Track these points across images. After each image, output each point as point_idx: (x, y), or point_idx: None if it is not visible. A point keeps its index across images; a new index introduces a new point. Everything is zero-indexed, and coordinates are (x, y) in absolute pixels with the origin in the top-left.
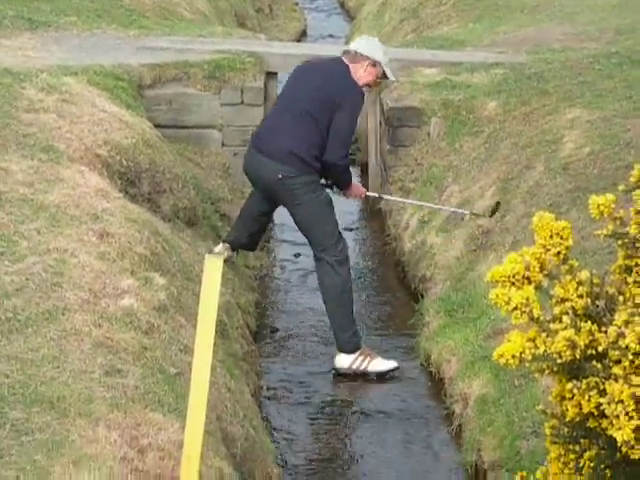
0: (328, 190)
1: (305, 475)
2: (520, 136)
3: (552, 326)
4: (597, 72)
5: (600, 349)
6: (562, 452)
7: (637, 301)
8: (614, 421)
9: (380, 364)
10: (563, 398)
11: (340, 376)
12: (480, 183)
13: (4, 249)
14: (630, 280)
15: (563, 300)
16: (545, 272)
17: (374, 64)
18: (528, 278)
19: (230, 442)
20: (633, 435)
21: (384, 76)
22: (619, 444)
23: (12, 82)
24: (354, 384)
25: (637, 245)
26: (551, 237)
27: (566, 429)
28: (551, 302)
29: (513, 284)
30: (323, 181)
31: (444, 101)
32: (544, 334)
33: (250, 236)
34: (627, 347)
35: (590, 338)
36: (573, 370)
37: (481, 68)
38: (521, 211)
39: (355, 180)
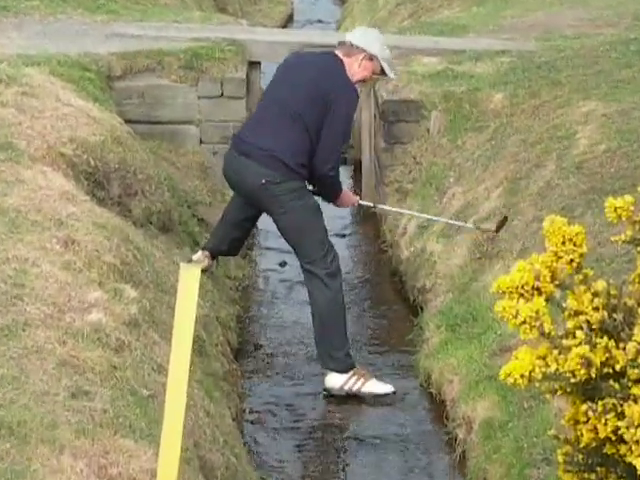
0: (316, 197)
1: None
2: (529, 132)
3: (565, 342)
4: (614, 61)
5: (618, 367)
6: None
7: None
8: (633, 447)
9: (375, 386)
10: (577, 422)
11: (331, 398)
12: (485, 184)
13: None
14: None
15: (577, 313)
16: (557, 282)
17: (370, 58)
18: (538, 289)
19: (209, 471)
20: None
21: (382, 72)
22: (639, 472)
23: None
24: (346, 407)
25: None
26: (563, 243)
27: (581, 456)
28: (564, 315)
29: (522, 295)
30: (310, 187)
31: (445, 93)
32: (556, 351)
33: (231, 242)
34: None
35: (607, 355)
36: (588, 391)
37: (486, 56)
38: (530, 215)
39: (347, 180)
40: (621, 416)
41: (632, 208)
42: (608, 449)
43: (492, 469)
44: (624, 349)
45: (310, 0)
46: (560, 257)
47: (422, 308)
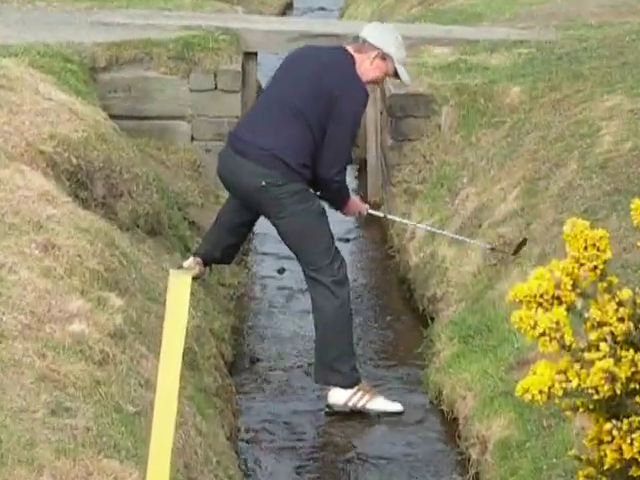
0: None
1: None
2: (549, 128)
3: (587, 355)
4: None
5: None
6: None
7: None
8: None
9: (382, 403)
10: (600, 441)
11: (333, 415)
12: (501, 184)
13: None
14: None
15: (600, 324)
16: (579, 290)
17: (384, 57)
18: (558, 298)
19: None
20: None
21: (395, 75)
22: None
23: None
24: (350, 424)
25: None
26: (586, 249)
27: (604, 478)
28: (586, 326)
29: (540, 305)
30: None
31: (458, 86)
32: (577, 365)
33: (225, 249)
34: None
35: (633, 369)
36: (612, 408)
37: (502, 47)
38: (550, 218)
39: (351, 181)
40: None
41: None
42: (634, 471)
43: None
44: None
45: None
46: (582, 263)
47: (432, 318)
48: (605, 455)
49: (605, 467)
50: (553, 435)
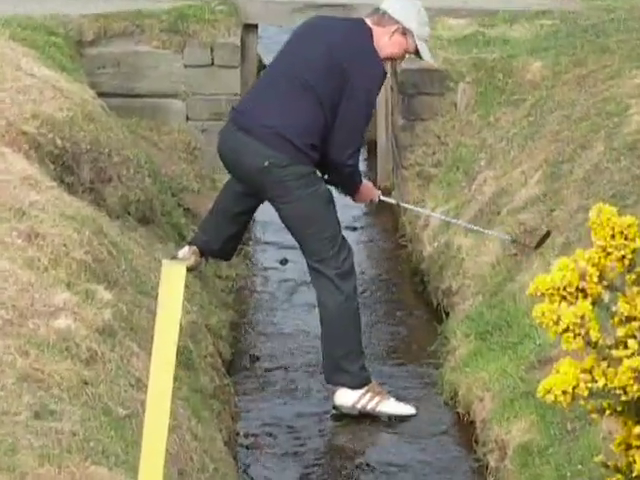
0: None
1: None
2: (573, 106)
3: (615, 353)
4: None
5: None
6: None
7: None
8: None
9: (393, 406)
10: (629, 446)
11: (340, 418)
12: (522, 167)
13: None
14: None
15: (629, 319)
16: (605, 282)
17: (404, 32)
18: (583, 290)
19: None
20: None
21: (416, 53)
22: None
23: None
24: (358, 428)
25: None
26: (613, 237)
27: None
28: (613, 321)
29: (564, 298)
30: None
31: (475, 61)
32: (604, 363)
33: (225, 241)
34: None
35: None
36: None
37: (522, 18)
38: (575, 204)
39: (360, 163)
40: None
41: None
42: None
43: None
44: None
45: None
46: (609, 253)
47: (447, 313)
48: (634, 461)
49: (634, 474)
50: (578, 440)
